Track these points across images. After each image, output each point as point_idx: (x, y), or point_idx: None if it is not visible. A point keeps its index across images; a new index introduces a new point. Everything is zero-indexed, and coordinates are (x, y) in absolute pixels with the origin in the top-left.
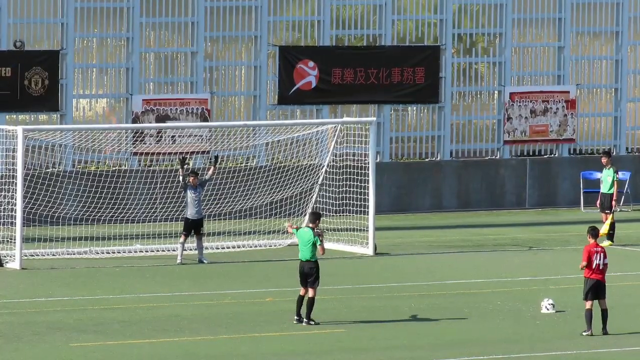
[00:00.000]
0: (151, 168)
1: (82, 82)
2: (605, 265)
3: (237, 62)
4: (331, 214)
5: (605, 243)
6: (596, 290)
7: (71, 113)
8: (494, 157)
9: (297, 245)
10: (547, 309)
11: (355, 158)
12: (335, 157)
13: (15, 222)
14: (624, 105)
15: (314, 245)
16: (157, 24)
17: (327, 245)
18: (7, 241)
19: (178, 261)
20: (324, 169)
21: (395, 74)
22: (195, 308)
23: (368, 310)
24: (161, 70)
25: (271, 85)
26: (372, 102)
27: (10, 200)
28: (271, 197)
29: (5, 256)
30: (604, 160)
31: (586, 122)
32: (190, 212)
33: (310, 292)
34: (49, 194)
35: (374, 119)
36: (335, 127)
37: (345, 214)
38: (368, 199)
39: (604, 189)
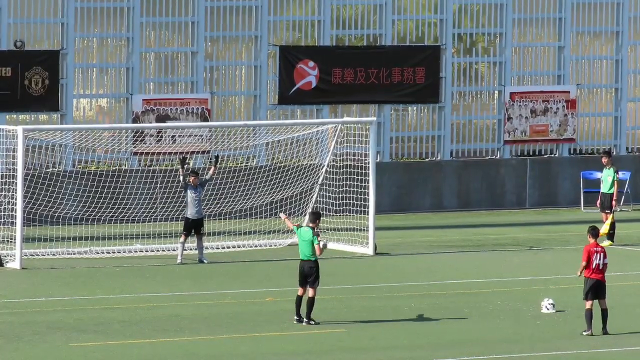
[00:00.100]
0: (151, 168)
1: (83, 82)
2: (605, 265)
3: (237, 62)
4: (331, 213)
5: (606, 243)
6: (596, 290)
7: (71, 113)
8: (494, 157)
9: (297, 245)
10: (548, 309)
11: (356, 158)
12: (336, 157)
13: (15, 222)
14: (624, 105)
15: (313, 244)
16: (158, 23)
17: (328, 245)
18: (8, 241)
19: (178, 261)
20: (324, 169)
21: (395, 73)
22: (196, 308)
23: (368, 310)
24: (161, 70)
25: (271, 85)
26: (372, 102)
27: (10, 200)
28: (271, 197)
29: (5, 256)
30: (604, 160)
31: (586, 122)
32: (191, 212)
33: (310, 292)
34: (49, 194)
35: (374, 118)
36: (335, 127)
37: (345, 213)
38: (368, 199)
39: (604, 188)
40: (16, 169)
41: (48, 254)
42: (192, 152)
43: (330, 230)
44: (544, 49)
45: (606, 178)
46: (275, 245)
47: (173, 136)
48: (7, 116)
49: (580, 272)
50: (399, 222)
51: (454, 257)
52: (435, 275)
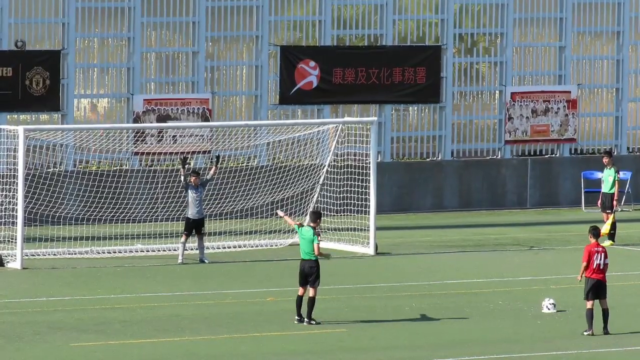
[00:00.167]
0: (152, 168)
1: (83, 82)
2: (605, 265)
3: (238, 62)
4: (332, 213)
5: (607, 243)
6: (597, 290)
7: (72, 113)
8: (495, 156)
9: (298, 244)
10: (548, 309)
11: (357, 158)
12: (337, 156)
13: (16, 222)
14: (625, 105)
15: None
16: (158, 23)
17: (328, 244)
18: (8, 241)
19: (179, 261)
20: (325, 169)
21: (396, 73)
22: (196, 308)
23: (369, 310)
24: (162, 70)
25: (272, 85)
26: (373, 102)
27: (11, 200)
28: (272, 196)
29: (6, 256)
30: (605, 160)
31: (587, 122)
32: (192, 212)
33: (311, 292)
34: (50, 194)
35: (375, 118)
36: (336, 127)
37: (346, 213)
38: (369, 199)
39: (605, 188)
40: (17, 169)
41: (49, 254)
42: (193, 152)
43: (331, 230)
44: (545, 49)
45: (607, 178)
46: (276, 245)
47: (174, 136)
48: (8, 116)
49: (581, 277)
50: (400, 222)
51: (455, 257)
52: (435, 275)
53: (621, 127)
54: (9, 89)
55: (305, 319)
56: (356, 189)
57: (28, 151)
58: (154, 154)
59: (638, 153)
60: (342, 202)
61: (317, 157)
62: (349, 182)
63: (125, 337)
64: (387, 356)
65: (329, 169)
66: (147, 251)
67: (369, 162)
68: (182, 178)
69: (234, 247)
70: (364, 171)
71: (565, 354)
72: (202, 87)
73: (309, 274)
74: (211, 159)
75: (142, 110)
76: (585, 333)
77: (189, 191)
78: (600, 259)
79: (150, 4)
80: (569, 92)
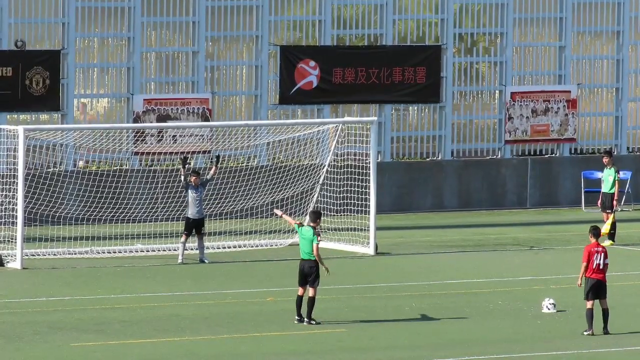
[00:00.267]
0: (152, 168)
1: (83, 82)
2: (605, 265)
3: (238, 61)
4: (332, 213)
5: (607, 243)
6: (597, 290)
7: (72, 113)
8: (495, 156)
9: (298, 244)
10: (548, 309)
11: (357, 158)
12: (337, 156)
13: (16, 222)
14: (625, 105)
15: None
16: (158, 23)
17: (328, 244)
18: (8, 241)
19: (179, 261)
20: (325, 169)
21: (396, 73)
22: (196, 308)
23: (369, 310)
24: (162, 69)
25: (272, 85)
26: (373, 101)
27: (11, 199)
28: (272, 196)
29: (6, 256)
30: (605, 159)
31: (587, 122)
32: (192, 212)
33: (311, 292)
34: (50, 194)
35: (375, 118)
36: (336, 126)
37: (346, 213)
38: (369, 199)
39: (605, 188)
40: (17, 169)
41: (49, 254)
42: (193, 152)
43: (331, 230)
44: (545, 48)
45: (607, 178)
46: (276, 245)
47: (174, 136)
48: (8, 116)
49: (581, 280)
50: (400, 222)
51: (455, 257)
52: (435, 275)
53: (621, 127)
54: (9, 89)
55: (305, 319)
56: (356, 189)
57: (28, 151)
58: (154, 153)
59: (638, 153)
60: (342, 202)
61: (317, 157)
62: (349, 182)
63: (125, 337)
64: (387, 356)
65: (329, 169)
66: (147, 251)
67: (369, 162)
68: (182, 178)
69: (234, 247)
70: (364, 171)
71: (565, 354)
72: (202, 87)
73: (309, 273)
74: (211, 158)
75: (142, 110)
76: (585, 333)
77: (189, 191)
78: (600, 259)
79: (150, 4)
80: (569, 91)
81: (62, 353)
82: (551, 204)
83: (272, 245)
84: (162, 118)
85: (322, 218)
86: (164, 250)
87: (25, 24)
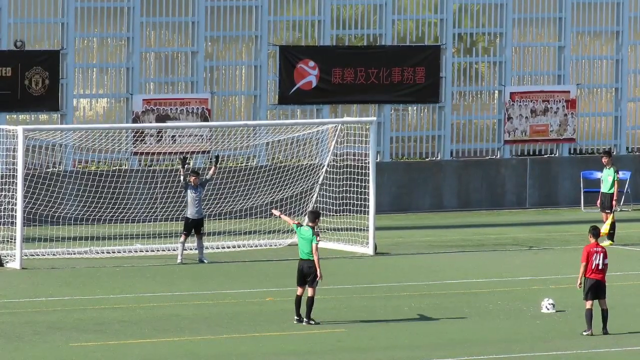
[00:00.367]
0: (151, 168)
1: (83, 82)
2: (605, 265)
3: (237, 61)
4: (331, 213)
5: (606, 243)
6: (596, 290)
7: (71, 113)
8: (494, 156)
9: (297, 244)
10: (548, 309)
11: (356, 158)
12: (336, 156)
13: (15, 222)
14: (624, 105)
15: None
16: (158, 23)
17: (328, 244)
18: (8, 241)
19: (178, 261)
20: (324, 169)
21: (395, 73)
22: (196, 308)
23: (368, 310)
24: (161, 70)
25: (271, 85)
26: (372, 101)
27: (10, 200)
28: (271, 196)
29: (5, 256)
30: (604, 159)
31: (586, 122)
32: (191, 212)
33: (310, 292)
34: (49, 194)
35: (374, 118)
36: (335, 126)
37: (345, 213)
38: (368, 199)
39: (604, 188)
40: (16, 169)
41: (48, 254)
42: (193, 152)
43: (331, 230)
44: (544, 48)
45: (606, 178)
46: (275, 245)
47: (173, 136)
48: (7, 116)
49: (580, 281)
50: (399, 222)
51: (454, 257)
52: (435, 275)
53: (620, 127)
54: (8, 89)
55: (305, 319)
56: (355, 189)
57: (27, 151)
58: (153, 154)
59: (637, 153)
60: (341, 202)
61: (316, 157)
62: (348, 182)
63: (125, 337)
64: (386, 356)
65: (328, 169)
66: (147, 251)
67: (368, 162)
68: (182, 178)
69: (234, 247)
70: (363, 171)
71: (565, 354)
72: (202, 87)
73: (308, 273)
74: (210, 159)
75: (142, 110)
76: (584, 333)
77: (189, 191)
78: (599, 259)
79: (150, 4)
80: (568, 92)
81: (61, 353)
82: (550, 204)
83: (271, 246)
84: (161, 118)
85: (321, 218)
86: (164, 251)
87: (24, 24)
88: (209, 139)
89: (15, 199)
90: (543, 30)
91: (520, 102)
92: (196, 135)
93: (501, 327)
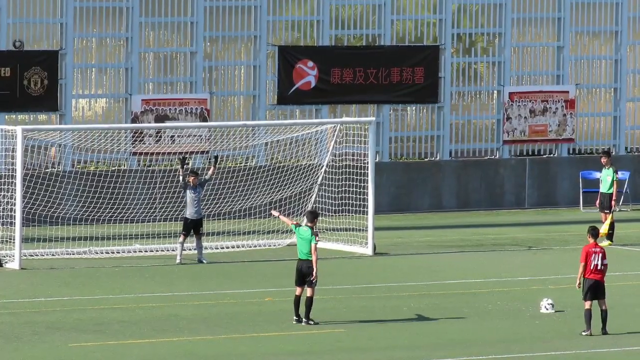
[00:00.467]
0: (150, 168)
1: (82, 82)
2: (604, 265)
3: (236, 62)
4: (330, 213)
5: (605, 243)
6: (595, 290)
7: (70, 113)
8: (493, 157)
9: (296, 244)
10: (547, 309)
11: (355, 158)
12: (335, 157)
13: (14, 222)
14: (623, 105)
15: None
16: (157, 23)
17: (327, 245)
18: (7, 241)
19: (177, 261)
20: (323, 169)
21: (394, 73)
22: (195, 308)
23: (367, 310)
24: (160, 70)
25: (270, 85)
26: (371, 102)
27: (9, 200)
28: (270, 197)
29: (4, 256)
30: (603, 160)
31: (585, 122)
32: (190, 212)
33: (309, 292)
34: (48, 194)
35: (373, 118)
36: (334, 127)
37: (344, 213)
38: (367, 199)
39: (603, 188)
40: (15, 169)
41: (47, 254)
42: (191, 152)
43: (330, 231)
44: (543, 48)
45: (605, 178)
46: (274, 246)
47: (172, 136)
48: (6, 116)
49: (579, 281)
50: (398, 222)
51: (453, 257)
52: (434, 275)
53: (619, 127)
54: (7, 89)
55: (304, 319)
56: (354, 189)
57: (26, 151)
58: (152, 154)
59: (636, 153)
60: (340, 202)
61: (315, 157)
62: (347, 182)
63: (124, 337)
64: (385, 356)
65: (327, 169)
66: (146, 251)
67: (367, 162)
68: (181, 178)
69: (233, 247)
70: (362, 171)
71: (564, 354)
72: (200, 87)
73: (307, 274)
74: (209, 159)
75: (140, 110)
76: (583, 333)
77: (188, 191)
78: (598, 260)
79: (149, 4)
80: (567, 92)
81: (60, 353)
82: (549, 204)
83: (270, 246)
84: (160, 118)
85: (320, 218)
86: (163, 251)
87: (23, 24)
88: (208, 139)
89: (15, 199)
90: (542, 30)
91: (519, 102)
92: (195, 136)
93: (500, 327)
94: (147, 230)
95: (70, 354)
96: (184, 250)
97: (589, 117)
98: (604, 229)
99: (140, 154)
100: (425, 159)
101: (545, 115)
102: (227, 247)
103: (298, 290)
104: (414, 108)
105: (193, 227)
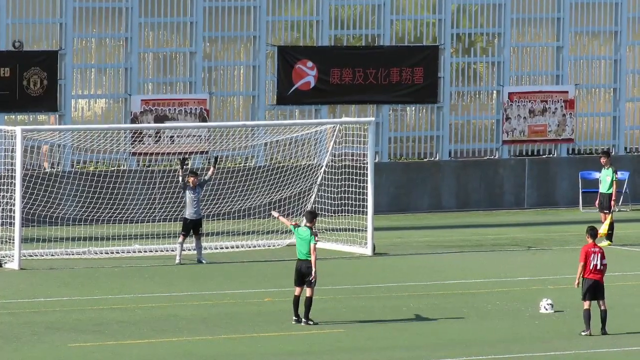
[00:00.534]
0: (150, 168)
1: (81, 83)
2: (604, 265)
3: (235, 62)
4: (330, 214)
5: (604, 243)
6: (594, 290)
7: (70, 113)
8: (492, 157)
9: (295, 245)
10: (546, 309)
11: (354, 158)
12: (334, 157)
13: (14, 223)
14: (622, 105)
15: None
16: (156, 24)
17: (326, 245)
18: (6, 241)
19: (177, 261)
20: (322, 169)
21: (393, 74)
22: (194, 308)
23: (367, 310)
24: (160, 70)
25: (270, 86)
26: (370, 102)
27: (9, 200)
28: (270, 197)
29: (4, 256)
30: (602, 160)
31: (585, 122)
32: (189, 212)
33: (308, 292)
34: (47, 194)
35: (373, 119)
36: (333, 127)
37: (343, 214)
38: (367, 199)
39: (602, 188)
40: (15, 170)
41: (46, 255)
42: (191, 153)
43: (329, 231)
44: (543, 49)
45: (605, 178)
46: (273, 246)
47: (171, 136)
48: (6, 116)
49: (578, 280)
50: (398, 222)
51: (453, 257)
52: (433, 276)
53: (619, 127)
54: (7, 90)
55: (303, 319)
56: (354, 189)
57: (26, 151)
58: (151, 154)
59: (636, 153)
60: (339, 202)
61: (314, 158)
62: (346, 183)
63: (123, 337)
64: (385, 356)
65: (326, 169)
66: (145, 252)
67: (367, 162)
68: (180, 179)
69: (232, 247)
70: (362, 171)
71: (563, 354)
72: (200, 87)
73: (306, 274)
74: (209, 159)
75: (140, 110)
76: (583, 333)
77: (187, 191)
78: (597, 260)
79: (148, 4)
80: (567, 92)
81: (60, 353)
82: (549, 205)
83: (269, 246)
84: (159, 118)
85: (319, 218)
86: (162, 251)
87: (22, 24)
88: (207, 140)
89: (14, 200)
90: (541, 30)
91: (518, 102)
92: (194, 136)
93: (500, 327)
94: (147, 231)
95: (70, 354)
96: (184, 250)
97: (589, 117)
98: (603, 229)
99: (140, 154)
100: (425, 159)
101: (545, 116)
102: (227, 248)
103: (297, 290)
104: (413, 108)
105: (192, 228)
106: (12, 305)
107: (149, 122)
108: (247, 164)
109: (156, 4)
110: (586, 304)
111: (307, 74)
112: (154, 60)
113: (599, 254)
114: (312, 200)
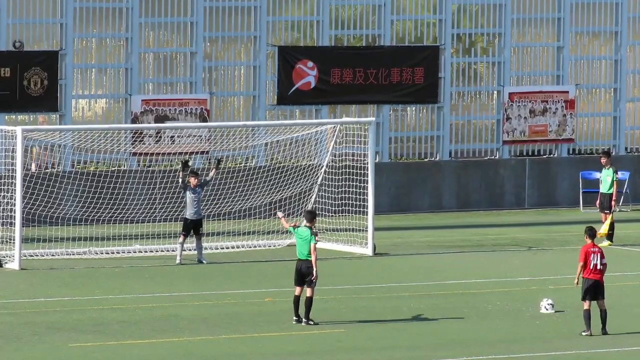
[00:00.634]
0: (150, 168)
1: (81, 83)
2: (604, 265)
3: (236, 62)
4: (330, 214)
5: (605, 243)
6: (594, 290)
7: (70, 113)
8: (493, 157)
9: (296, 245)
10: (547, 309)
11: (355, 158)
12: (335, 157)
13: (14, 223)
14: (623, 105)
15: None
16: (156, 24)
17: (326, 245)
18: (7, 241)
19: (177, 261)
20: (323, 169)
21: (394, 74)
22: (195, 308)
23: (367, 311)
24: (160, 70)
25: (270, 86)
26: (371, 102)
27: (9, 200)
28: (270, 197)
29: (4, 256)
30: (603, 160)
31: (585, 122)
32: (190, 213)
33: (308, 292)
34: (48, 194)
35: (373, 119)
36: (334, 127)
37: (344, 214)
38: (367, 199)
39: (603, 189)
40: (15, 170)
41: (47, 255)
42: (191, 153)
43: (329, 231)
44: (543, 49)
45: (605, 178)
46: (274, 246)
47: (172, 137)
48: (6, 117)
49: (578, 280)
50: (398, 223)
51: (453, 257)
52: (434, 276)
53: (619, 127)
54: (7, 90)
55: (303, 320)
56: (354, 190)
57: (26, 152)
58: (152, 154)
59: (636, 153)
60: (340, 202)
61: (315, 158)
62: (347, 183)
63: (124, 337)
64: (385, 356)
65: (327, 170)
66: (146, 252)
67: (367, 162)
68: (180, 180)
69: (232, 247)
70: (362, 171)
71: (564, 354)
72: (200, 87)
73: (306, 274)
74: (210, 160)
75: (140, 110)
76: (583, 333)
77: (188, 192)
78: (597, 260)
79: (148, 5)
80: (567, 92)
81: (60, 354)
82: (549, 205)
83: (270, 246)
84: (160, 119)
85: (319, 218)
86: (162, 251)
87: (23, 24)
88: (208, 140)
89: (15, 200)
90: (542, 30)
91: (519, 102)
92: (195, 136)
93: (500, 327)
94: (147, 231)
95: (70, 354)
96: (184, 250)
97: (589, 118)
98: (603, 229)
99: (140, 154)
100: (425, 159)
101: (545, 116)
102: (227, 248)
103: (297, 290)
104: (413, 108)
105: (193, 228)
106: (13, 305)
107: (149, 122)
108: (248, 164)
109: (156, 4)
110: (586, 304)
111: (308, 74)
112: (154, 61)
113: (599, 254)
114: (312, 200)
